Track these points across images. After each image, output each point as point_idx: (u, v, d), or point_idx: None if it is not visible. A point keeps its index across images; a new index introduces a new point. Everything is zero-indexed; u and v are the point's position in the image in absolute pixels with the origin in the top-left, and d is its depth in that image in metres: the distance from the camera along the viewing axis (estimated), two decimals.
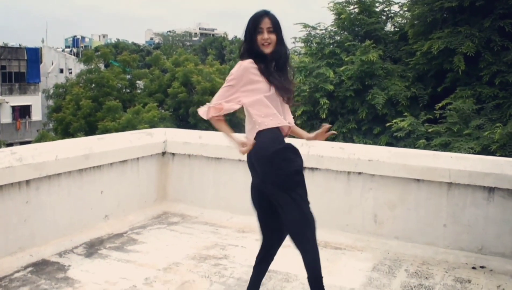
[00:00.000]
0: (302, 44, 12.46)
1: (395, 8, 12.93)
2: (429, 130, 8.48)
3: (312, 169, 4.43)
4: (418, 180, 4.11)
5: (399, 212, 4.21)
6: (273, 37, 2.70)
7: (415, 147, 8.47)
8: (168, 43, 60.11)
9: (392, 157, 4.23)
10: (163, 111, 29.57)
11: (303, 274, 2.69)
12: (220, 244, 4.15)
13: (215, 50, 53.09)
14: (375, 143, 9.46)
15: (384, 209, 4.27)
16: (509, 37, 8.79)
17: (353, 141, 10.32)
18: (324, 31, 12.06)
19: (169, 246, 4.08)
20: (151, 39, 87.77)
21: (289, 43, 2.92)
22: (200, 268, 3.63)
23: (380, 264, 3.80)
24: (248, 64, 2.67)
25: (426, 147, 8.49)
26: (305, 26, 12.15)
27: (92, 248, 3.96)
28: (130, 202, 4.82)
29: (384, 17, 12.96)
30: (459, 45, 8.97)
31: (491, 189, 3.85)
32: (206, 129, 27.60)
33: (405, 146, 8.63)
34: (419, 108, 10.30)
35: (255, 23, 2.70)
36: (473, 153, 6.81)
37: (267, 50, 2.71)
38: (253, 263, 2.92)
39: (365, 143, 9.57)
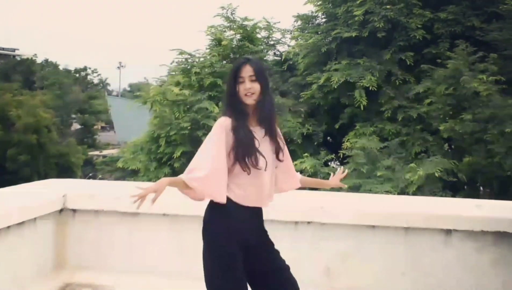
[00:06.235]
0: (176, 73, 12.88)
1: (277, 35, 14.01)
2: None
3: None
4: (373, 226, 4.67)
5: (354, 263, 4.72)
6: (256, 86, 2.98)
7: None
8: None
9: (345, 203, 4.76)
10: None
11: None
12: None
13: (21, 76, 50.77)
14: None
15: (337, 261, 4.74)
16: (410, 71, 10.19)
17: None
18: (203, 59, 12.61)
19: None
20: None
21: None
22: None
23: None
24: None
25: (331, 190, 9.30)
26: (182, 52, 12.60)
27: None
28: (27, 273, 4.64)
29: (265, 45, 13.95)
30: (359, 78, 10.11)
31: (448, 232, 4.55)
32: (30, 175, 26.35)
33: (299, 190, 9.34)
34: (313, 146, 11.23)
35: (235, 73, 3.00)
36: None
37: (249, 101, 2.99)
38: None
39: None
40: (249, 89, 2.95)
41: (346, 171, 3.34)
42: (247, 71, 2.97)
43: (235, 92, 2.99)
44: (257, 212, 3.13)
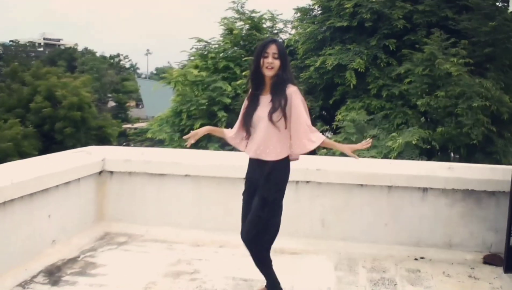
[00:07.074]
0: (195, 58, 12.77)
1: (280, 25, 13.88)
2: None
3: None
4: (362, 185, 4.65)
5: (345, 215, 4.71)
6: (277, 62, 3.07)
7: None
8: (10, 53, 55.23)
9: (337, 165, 4.73)
10: (24, 127, 27.48)
11: None
12: (183, 260, 4.25)
13: (65, 62, 50.87)
14: None
15: (331, 214, 4.74)
16: (392, 55, 10.05)
17: None
18: (217, 45, 12.50)
19: (134, 266, 4.08)
20: None
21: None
22: (179, 284, 3.72)
23: (339, 264, 4.24)
24: None
25: (327, 155, 9.27)
26: (199, 40, 12.48)
27: (53, 276, 3.82)
28: (73, 225, 4.68)
29: (269, 34, 13.79)
30: (350, 61, 9.99)
31: (425, 190, 4.53)
32: (74, 145, 26.46)
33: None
34: (311, 119, 11.16)
35: (262, 48, 3.09)
36: None
37: (269, 73, 3.09)
38: (225, 274, 3.73)
39: None
40: (271, 64, 3.06)
41: (370, 142, 3.22)
42: (272, 48, 3.07)
43: (258, 65, 3.09)
44: (255, 162, 3.24)
